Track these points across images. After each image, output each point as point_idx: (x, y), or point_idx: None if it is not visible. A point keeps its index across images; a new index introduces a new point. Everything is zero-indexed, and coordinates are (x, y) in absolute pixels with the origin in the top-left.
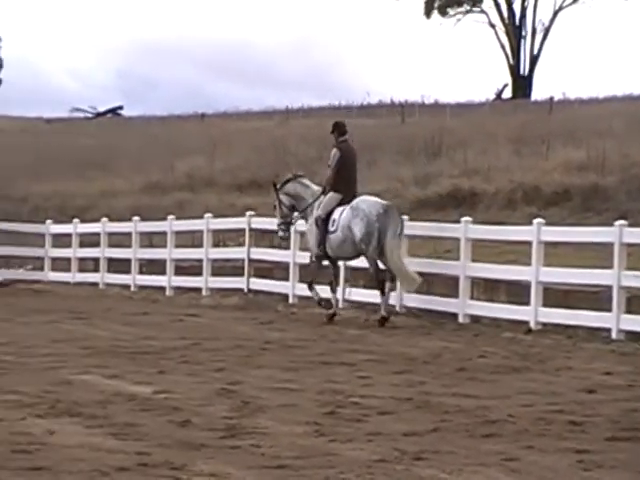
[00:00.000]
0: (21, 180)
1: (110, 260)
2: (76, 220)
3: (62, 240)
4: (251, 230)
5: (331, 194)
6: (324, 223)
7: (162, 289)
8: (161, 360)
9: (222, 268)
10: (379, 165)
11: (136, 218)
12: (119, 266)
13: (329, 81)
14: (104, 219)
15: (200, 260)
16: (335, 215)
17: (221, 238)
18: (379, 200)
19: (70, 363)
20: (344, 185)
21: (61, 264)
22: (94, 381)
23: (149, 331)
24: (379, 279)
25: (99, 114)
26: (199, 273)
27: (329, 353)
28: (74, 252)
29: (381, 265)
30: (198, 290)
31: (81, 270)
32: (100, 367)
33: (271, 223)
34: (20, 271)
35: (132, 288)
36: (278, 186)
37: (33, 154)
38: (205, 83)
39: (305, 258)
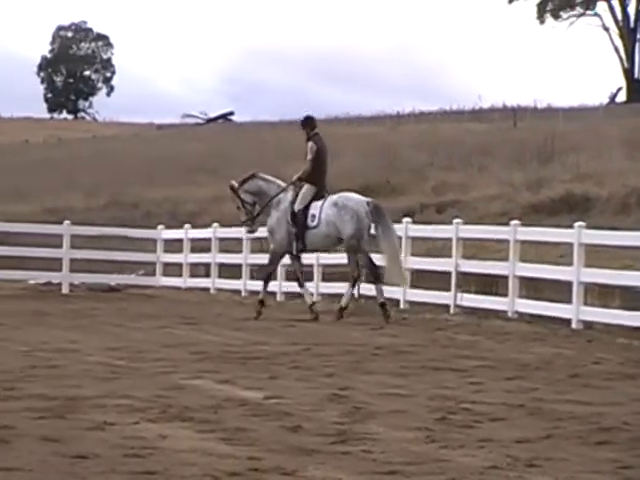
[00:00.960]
0: (133, 186)
1: (221, 265)
2: (187, 225)
3: (173, 245)
4: None
5: (307, 186)
6: (303, 217)
7: (273, 294)
8: (272, 365)
9: (332, 274)
10: (490, 170)
11: None
12: (230, 271)
13: (436, 85)
14: (215, 224)
15: (311, 265)
16: (314, 210)
17: None
18: (362, 197)
19: (181, 368)
20: (319, 178)
21: (172, 269)
22: (205, 386)
23: (260, 336)
24: (374, 268)
25: (210, 120)
26: (309, 279)
27: (440, 359)
28: (185, 257)
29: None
30: None
31: (192, 275)
32: (211, 372)
33: None
34: (132, 276)
35: (243, 293)
36: (236, 186)
37: (145, 160)
38: (312, 88)
39: (418, 264)
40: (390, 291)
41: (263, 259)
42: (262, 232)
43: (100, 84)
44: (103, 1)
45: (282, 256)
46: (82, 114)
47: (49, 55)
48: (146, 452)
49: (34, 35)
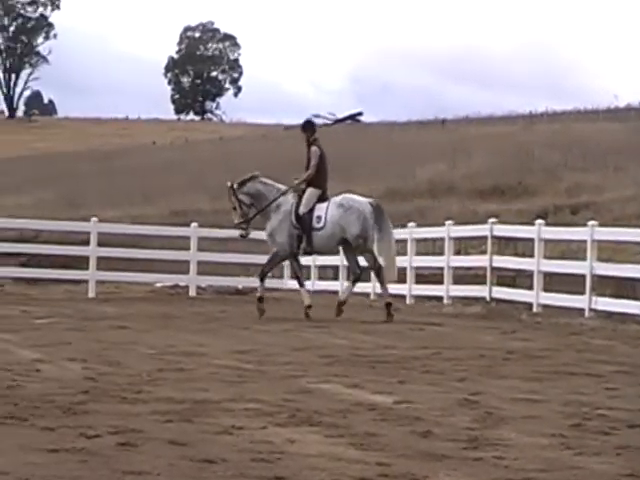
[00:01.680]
0: None
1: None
2: None
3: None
4: (494, 237)
5: (311, 190)
6: (309, 220)
7: (402, 297)
8: (401, 369)
9: (463, 276)
10: (627, 170)
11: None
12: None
13: (570, 84)
14: None
15: (441, 268)
16: (319, 212)
17: (462, 246)
18: (366, 199)
19: (310, 372)
20: (322, 181)
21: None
22: (334, 390)
23: (389, 340)
24: (381, 271)
25: (338, 120)
26: (440, 281)
27: (574, 363)
28: (314, 260)
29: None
30: (439, 299)
31: (320, 278)
32: (340, 376)
33: (515, 231)
34: None
35: (372, 296)
36: (235, 186)
37: (272, 161)
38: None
39: (551, 266)
40: (523, 295)
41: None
42: (255, 234)
43: (227, 85)
44: (230, 1)
45: (284, 259)
46: (209, 115)
47: (176, 56)
48: (274, 457)
49: (161, 36)
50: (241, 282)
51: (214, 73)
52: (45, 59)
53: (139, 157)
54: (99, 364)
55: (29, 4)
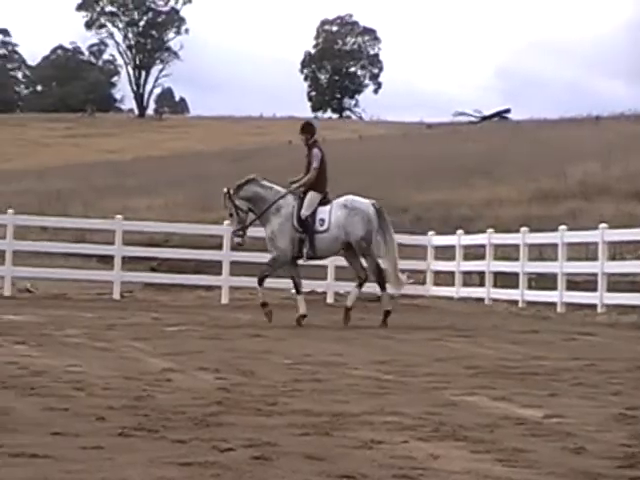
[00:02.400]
0: (402, 189)
1: (496, 274)
2: (460, 231)
3: (445, 252)
4: None
5: (313, 193)
6: (311, 224)
7: (553, 305)
8: (552, 382)
9: (619, 283)
10: None
11: (524, 229)
12: (506, 280)
13: None
14: (490, 230)
15: (594, 274)
16: (322, 215)
17: (618, 250)
18: (369, 200)
19: (454, 383)
20: (323, 184)
21: (444, 278)
22: (480, 403)
23: (539, 350)
24: (381, 273)
25: (484, 118)
26: (594, 288)
27: None
28: (458, 265)
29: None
30: (592, 307)
31: (465, 284)
32: (486, 388)
33: None
34: None
35: (520, 304)
36: (232, 192)
37: (414, 161)
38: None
39: None
40: None
41: (543, 268)
42: (254, 231)
43: (367, 81)
44: None
45: (285, 263)
46: (347, 113)
47: (313, 51)
48: (416, 473)
49: (297, 30)
50: None
51: (353, 69)
52: (176, 55)
53: (274, 157)
54: (232, 374)
55: None
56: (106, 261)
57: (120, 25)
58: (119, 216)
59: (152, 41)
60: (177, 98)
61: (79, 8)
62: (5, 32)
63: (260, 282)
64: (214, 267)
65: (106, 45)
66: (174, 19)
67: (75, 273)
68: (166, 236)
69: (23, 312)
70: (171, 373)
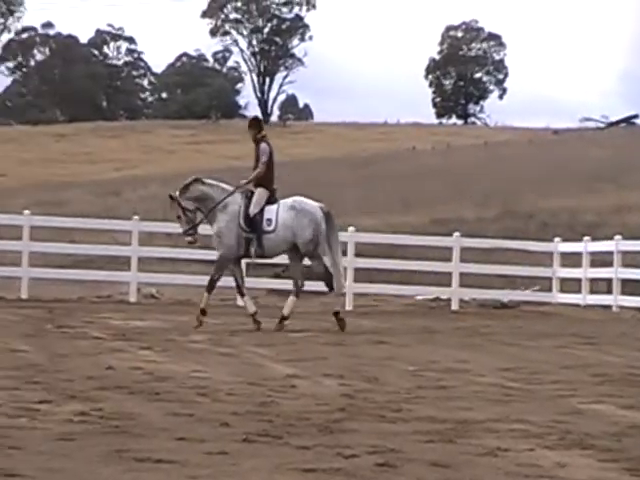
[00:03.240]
0: (528, 195)
1: (624, 281)
2: (586, 238)
3: (571, 259)
4: None
5: (260, 190)
6: (259, 222)
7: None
8: None
9: None
10: None
11: None
12: (635, 287)
13: None
14: (617, 237)
15: None
16: (270, 215)
17: None
18: (317, 203)
19: (581, 391)
20: (271, 181)
21: (570, 285)
22: (607, 411)
23: None
24: (328, 276)
25: (611, 124)
26: None
27: None
28: (584, 272)
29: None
30: None
31: (592, 292)
32: (613, 396)
33: None
34: (526, 292)
35: (614, 308)
36: (177, 193)
37: (540, 167)
38: None
39: None
40: None
41: None
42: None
43: (491, 87)
44: None
45: (230, 262)
46: (472, 119)
47: (437, 57)
48: None
49: (422, 37)
50: (507, 295)
51: (478, 75)
52: (300, 61)
53: (398, 163)
54: (356, 380)
55: (284, 4)
56: None
57: (244, 32)
58: None
59: (276, 48)
60: (301, 105)
61: (204, 15)
62: (131, 40)
63: (209, 289)
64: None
65: (230, 52)
66: (298, 26)
67: (199, 279)
68: None
69: (148, 318)
70: (295, 379)
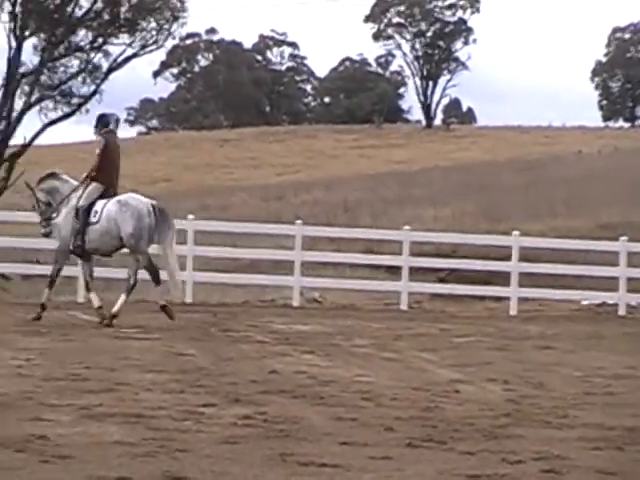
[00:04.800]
0: None
1: None
2: None
3: None
4: None
5: (94, 184)
6: (85, 214)
7: None
8: None
9: None
10: None
11: None
12: None
13: None
14: None
15: None
16: (97, 207)
17: None
18: (148, 199)
19: None
20: (106, 176)
21: None
22: None
23: None
24: (154, 270)
25: None
26: None
27: None
28: None
29: None
30: None
31: None
32: None
33: None
34: None
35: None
36: (34, 184)
37: None
38: None
39: None
40: None
41: None
42: None
43: None
44: None
45: (65, 251)
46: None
47: (604, 59)
48: None
49: (588, 39)
50: None
51: None
52: (464, 65)
53: (563, 167)
54: (521, 386)
55: (447, 8)
56: (393, 272)
57: (407, 36)
58: (407, 227)
59: (439, 52)
60: (464, 108)
61: (366, 20)
62: (294, 45)
63: (51, 283)
64: (503, 278)
65: (393, 56)
66: (462, 29)
67: (362, 284)
68: (453, 247)
69: (311, 322)
70: (459, 384)
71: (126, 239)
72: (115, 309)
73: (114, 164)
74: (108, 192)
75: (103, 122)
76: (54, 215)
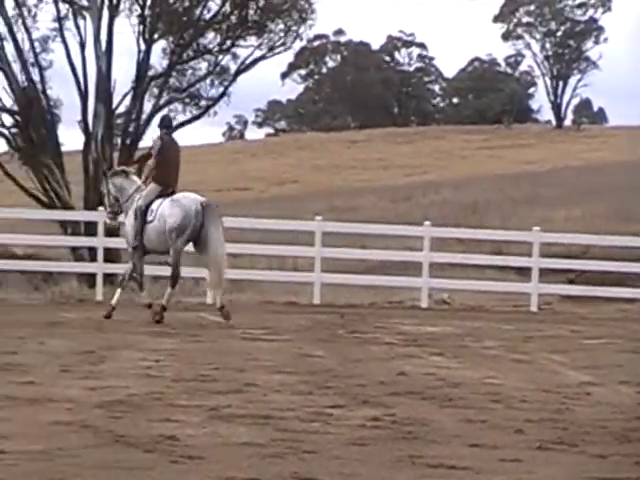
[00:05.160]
0: None
1: None
2: None
3: None
4: None
5: (151, 185)
6: (143, 214)
7: None
8: None
9: None
10: None
11: None
12: None
13: None
14: None
15: None
16: (154, 206)
17: None
18: (199, 197)
19: None
20: (163, 177)
21: None
22: None
23: None
24: (177, 272)
25: None
26: None
27: None
28: None
29: None
30: None
31: None
32: None
33: None
34: None
35: None
36: (109, 175)
37: None
38: None
39: None
40: None
41: None
42: None
43: None
44: None
45: (138, 252)
46: None
47: None
48: None
49: None
50: None
51: None
52: (595, 65)
53: None
54: None
55: (578, 7)
56: (523, 273)
57: (537, 36)
58: (536, 227)
59: (570, 51)
60: (595, 108)
61: (495, 20)
62: (422, 46)
63: (140, 285)
64: (635, 279)
65: (523, 56)
66: (592, 28)
67: (491, 285)
68: (584, 248)
69: (440, 324)
70: (590, 386)
71: (168, 231)
72: (164, 300)
73: (171, 164)
74: (166, 192)
75: (164, 124)
76: (122, 212)
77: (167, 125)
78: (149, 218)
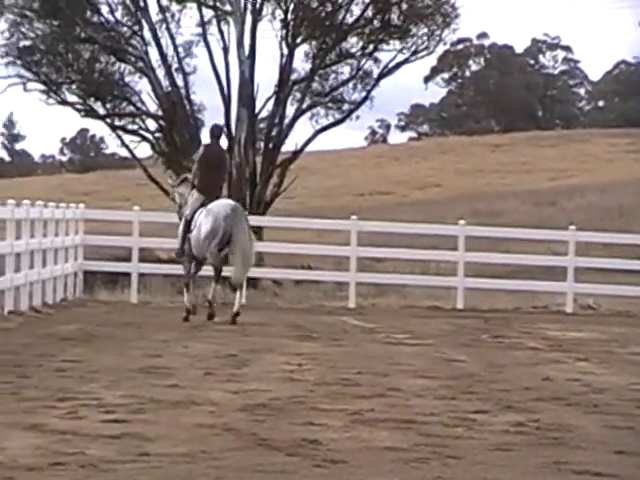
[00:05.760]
0: None
1: None
2: None
3: None
4: None
5: (195, 195)
6: (188, 223)
7: None
8: None
9: None
10: None
11: None
12: None
13: None
14: None
15: None
16: (196, 215)
17: None
18: (229, 201)
19: None
20: (206, 186)
21: None
22: None
23: None
24: (219, 270)
25: None
26: None
27: None
28: None
29: None
30: None
31: None
32: None
33: None
34: None
35: None
36: (178, 182)
37: None
38: None
39: None
40: None
41: None
42: None
43: None
44: None
45: (184, 257)
46: None
47: None
48: None
49: None
50: None
51: None
52: None
53: None
54: None
55: None
56: None
57: None
58: None
59: None
60: None
61: None
62: (567, 49)
63: (186, 288)
64: None
65: None
66: None
67: (638, 290)
68: None
69: (585, 329)
70: None
71: (202, 239)
72: (235, 308)
73: (214, 174)
74: (210, 200)
75: (212, 133)
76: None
77: (217, 135)
78: (192, 227)
